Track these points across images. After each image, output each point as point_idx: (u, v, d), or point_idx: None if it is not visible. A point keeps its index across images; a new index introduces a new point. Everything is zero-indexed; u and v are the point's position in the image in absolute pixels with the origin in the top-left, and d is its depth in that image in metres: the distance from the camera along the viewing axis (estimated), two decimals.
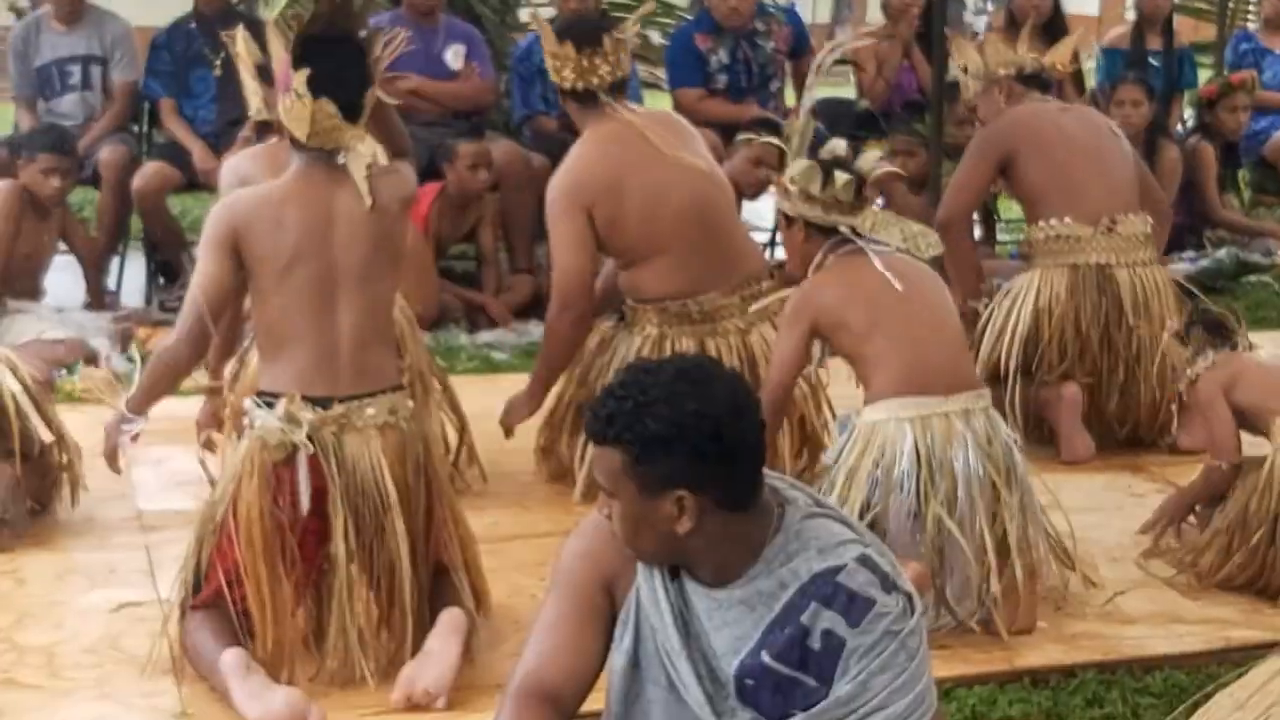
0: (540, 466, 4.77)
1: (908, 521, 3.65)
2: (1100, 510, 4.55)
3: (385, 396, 3.42)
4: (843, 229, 3.82)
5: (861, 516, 3.56)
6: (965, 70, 5.35)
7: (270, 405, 3.34)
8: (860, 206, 3.85)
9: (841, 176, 3.77)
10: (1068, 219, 5.01)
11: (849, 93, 8.05)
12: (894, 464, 3.67)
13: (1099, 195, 5.05)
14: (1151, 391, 4.99)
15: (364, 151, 3.36)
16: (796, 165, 3.85)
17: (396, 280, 3.58)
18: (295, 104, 3.36)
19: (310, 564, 3.40)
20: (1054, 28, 7.20)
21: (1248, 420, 4.13)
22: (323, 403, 3.35)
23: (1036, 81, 5.29)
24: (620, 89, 4.51)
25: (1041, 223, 5.07)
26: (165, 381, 3.54)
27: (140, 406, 3.58)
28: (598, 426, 2.37)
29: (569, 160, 4.52)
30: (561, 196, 4.44)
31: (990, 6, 15.85)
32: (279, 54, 3.49)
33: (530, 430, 4.79)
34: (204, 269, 3.40)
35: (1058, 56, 5.49)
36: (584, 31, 4.50)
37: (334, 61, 3.36)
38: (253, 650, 3.33)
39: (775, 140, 4.40)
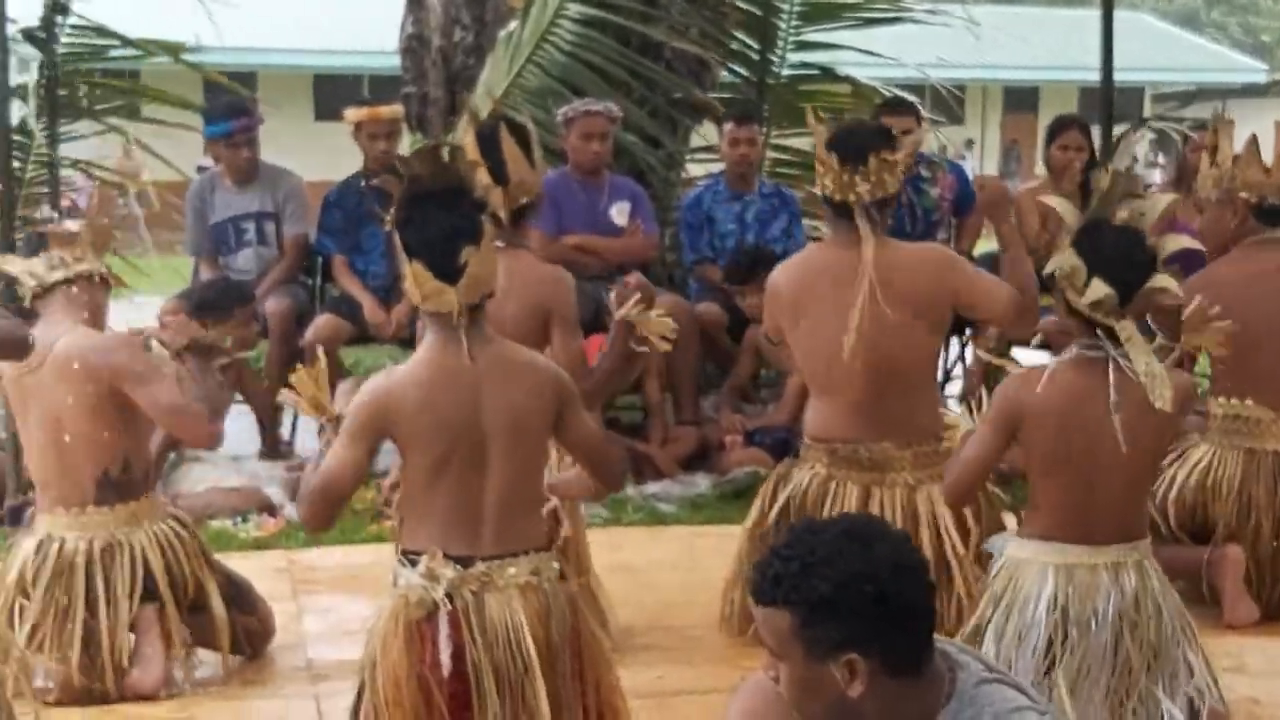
0: (725, 623, 4.66)
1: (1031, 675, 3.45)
2: None
3: (528, 557, 3.31)
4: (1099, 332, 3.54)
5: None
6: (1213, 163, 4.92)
7: (413, 563, 3.27)
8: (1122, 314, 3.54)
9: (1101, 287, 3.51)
10: (1248, 400, 4.78)
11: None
12: (1029, 610, 3.50)
13: None
14: None
15: None
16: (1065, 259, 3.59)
17: (545, 444, 3.45)
18: (408, 270, 3.34)
19: None
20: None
21: None
22: (464, 561, 3.26)
23: (1273, 217, 4.87)
24: (883, 206, 4.36)
25: (1221, 399, 4.84)
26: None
27: None
28: (764, 587, 2.32)
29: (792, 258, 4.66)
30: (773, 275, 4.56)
31: (1163, 160, 15.64)
32: None
33: (696, 586, 4.75)
34: (342, 454, 3.27)
35: None
36: (850, 148, 4.33)
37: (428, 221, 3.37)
38: None
39: None
